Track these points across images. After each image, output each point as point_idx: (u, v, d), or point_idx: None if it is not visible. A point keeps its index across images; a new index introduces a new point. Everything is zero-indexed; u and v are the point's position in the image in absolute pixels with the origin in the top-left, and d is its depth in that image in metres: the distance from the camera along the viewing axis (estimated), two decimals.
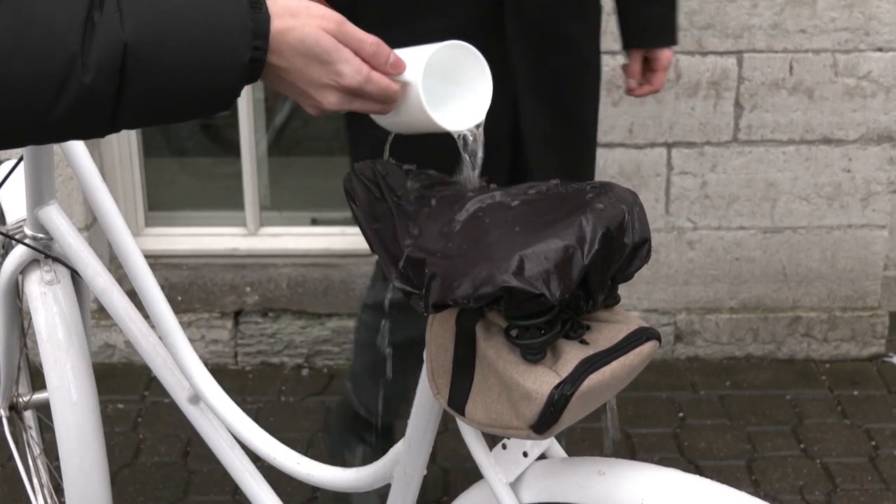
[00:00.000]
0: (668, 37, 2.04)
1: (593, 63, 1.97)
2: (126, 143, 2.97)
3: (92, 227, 2.89)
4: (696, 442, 2.67)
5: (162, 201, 3.20)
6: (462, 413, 1.18)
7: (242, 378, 2.96)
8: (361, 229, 1.18)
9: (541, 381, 1.07)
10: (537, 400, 1.07)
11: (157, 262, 3.05)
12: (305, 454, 2.62)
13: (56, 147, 1.75)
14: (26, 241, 1.72)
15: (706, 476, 2.58)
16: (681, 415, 2.78)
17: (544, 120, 1.88)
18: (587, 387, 1.07)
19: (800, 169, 2.85)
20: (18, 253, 1.74)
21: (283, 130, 3.58)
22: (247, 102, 2.95)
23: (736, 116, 2.80)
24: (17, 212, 1.80)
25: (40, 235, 1.72)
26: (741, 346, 3.01)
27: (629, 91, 2.09)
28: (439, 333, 1.17)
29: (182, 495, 2.50)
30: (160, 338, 1.64)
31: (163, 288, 2.96)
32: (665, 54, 2.04)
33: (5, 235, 1.74)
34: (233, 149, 3.08)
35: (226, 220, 3.13)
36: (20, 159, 1.72)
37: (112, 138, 2.94)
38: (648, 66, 2.06)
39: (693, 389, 2.89)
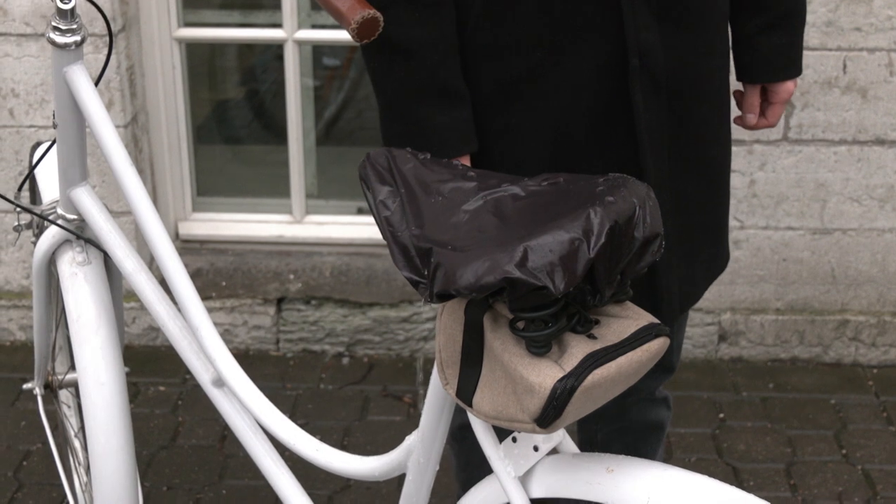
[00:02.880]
0: (791, 70, 1.72)
1: (726, 102, 1.68)
2: (175, 129, 3.00)
3: None
4: (735, 444, 2.63)
5: (211, 187, 3.22)
6: (470, 404, 1.18)
7: (283, 364, 2.97)
8: (374, 216, 1.18)
9: (545, 375, 1.06)
10: (540, 393, 1.06)
11: (203, 247, 3.08)
12: (342, 443, 2.65)
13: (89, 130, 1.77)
14: (59, 222, 1.74)
15: (743, 479, 2.56)
16: (721, 415, 2.74)
17: (678, 191, 1.61)
18: (591, 382, 1.06)
19: (851, 170, 2.79)
20: (51, 233, 1.76)
21: (335, 121, 3.59)
22: (294, 89, 2.96)
23: (787, 115, 2.75)
24: (52, 192, 1.82)
25: (73, 217, 1.74)
26: (786, 349, 2.96)
27: (744, 124, 1.78)
28: (449, 324, 1.17)
29: (217, 479, 2.52)
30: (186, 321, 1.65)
31: (207, 273, 3.00)
32: (787, 87, 1.73)
33: (39, 216, 1.76)
34: (285, 137, 3.09)
35: (272, 208, 3.14)
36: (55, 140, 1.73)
37: (161, 124, 2.96)
38: (765, 98, 1.75)
39: (735, 390, 2.85)
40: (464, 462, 1.93)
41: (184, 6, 2.94)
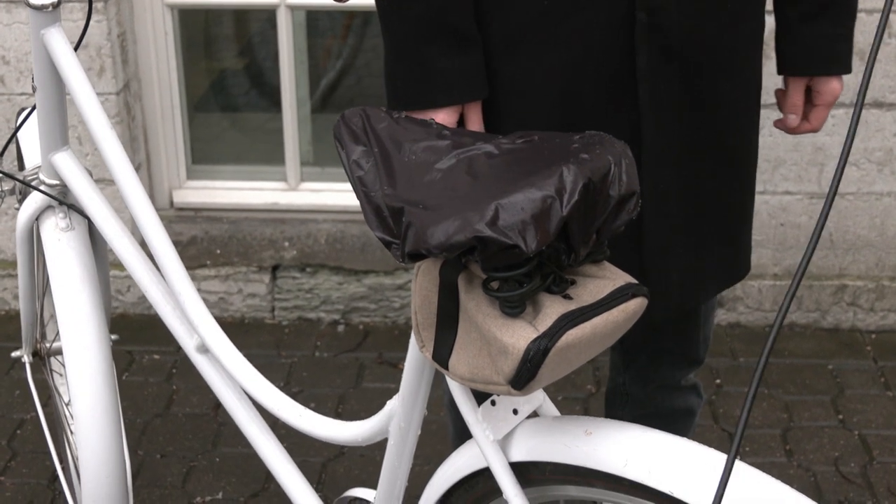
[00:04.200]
0: (837, 65, 1.56)
1: (754, 84, 1.57)
2: (168, 96, 2.97)
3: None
4: (731, 409, 2.62)
5: (207, 155, 3.20)
6: (446, 367, 1.16)
7: (278, 332, 2.96)
8: (347, 176, 1.16)
9: (518, 336, 1.05)
10: (514, 354, 1.05)
11: (197, 214, 3.06)
12: (337, 410, 2.64)
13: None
14: (41, 187, 1.72)
15: (739, 445, 2.53)
16: (718, 381, 2.73)
17: (685, 178, 1.51)
18: (565, 342, 1.04)
19: None
20: (34, 199, 1.74)
21: (333, 88, 3.57)
22: (287, 56, 2.94)
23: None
24: (35, 158, 1.81)
25: (55, 182, 1.72)
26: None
27: (786, 126, 1.63)
28: (424, 285, 1.15)
29: (211, 447, 2.51)
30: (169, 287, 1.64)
31: (202, 241, 2.98)
32: (832, 86, 1.57)
33: (21, 182, 1.74)
34: (280, 104, 3.06)
35: (267, 175, 3.12)
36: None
37: (154, 92, 2.94)
38: (808, 99, 1.60)
39: (732, 356, 2.83)
40: (459, 430, 1.92)
41: None
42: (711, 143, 1.52)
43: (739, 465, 1.10)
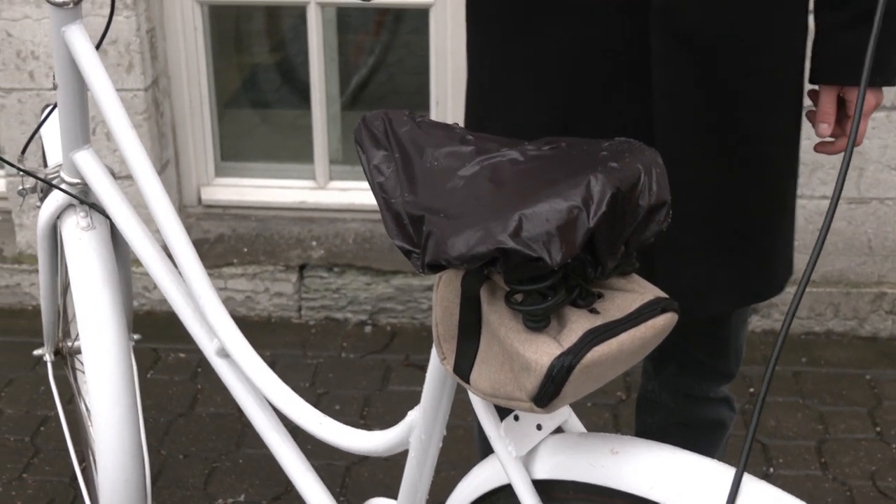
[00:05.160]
0: (872, 74, 1.39)
1: (789, 92, 1.48)
2: (197, 93, 2.95)
3: (162, 173, 2.88)
4: (764, 419, 2.56)
5: (236, 152, 3.18)
6: (467, 381, 1.12)
7: (305, 332, 2.93)
8: (368, 181, 1.12)
9: (542, 352, 1.00)
10: (537, 371, 1.00)
11: (225, 212, 3.04)
12: (362, 413, 2.60)
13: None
14: (62, 186, 1.70)
15: (772, 456, 2.48)
16: (751, 390, 2.67)
17: (702, 174, 1.44)
18: (591, 359, 1.00)
19: (890, 136, 2.70)
20: (55, 198, 1.72)
21: (364, 85, 3.53)
22: (317, 53, 2.90)
23: None
24: (57, 155, 1.78)
25: (77, 181, 1.70)
26: (821, 322, 2.88)
27: (820, 139, 1.54)
28: (445, 296, 1.11)
29: (234, 448, 2.49)
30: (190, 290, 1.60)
31: (229, 239, 2.96)
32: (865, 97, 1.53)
33: (42, 181, 1.72)
34: (309, 102, 3.03)
35: (296, 173, 3.09)
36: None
37: (183, 88, 2.92)
38: (843, 111, 1.50)
39: (766, 364, 2.77)
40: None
41: None
42: (729, 141, 1.43)
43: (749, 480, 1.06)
